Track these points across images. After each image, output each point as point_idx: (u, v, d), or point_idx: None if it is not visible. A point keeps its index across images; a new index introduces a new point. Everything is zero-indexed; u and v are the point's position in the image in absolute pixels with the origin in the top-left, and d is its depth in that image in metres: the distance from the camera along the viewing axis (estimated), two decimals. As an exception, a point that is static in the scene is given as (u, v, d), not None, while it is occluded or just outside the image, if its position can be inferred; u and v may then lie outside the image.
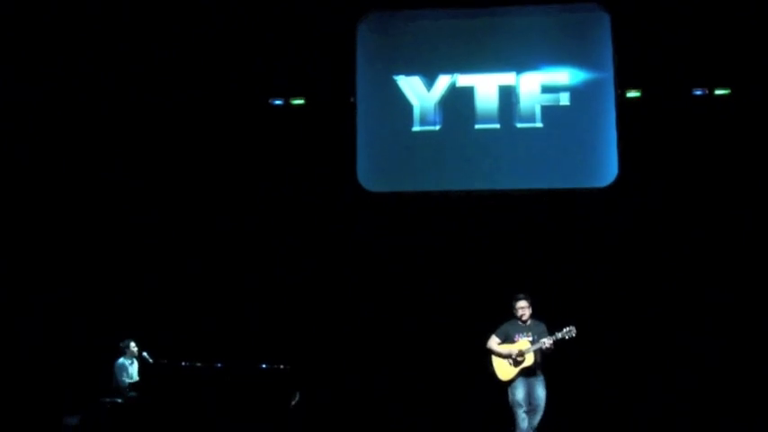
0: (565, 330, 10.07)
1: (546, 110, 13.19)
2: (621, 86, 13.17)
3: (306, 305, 13.15)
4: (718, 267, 12.79)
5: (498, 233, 13.13)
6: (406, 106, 13.35)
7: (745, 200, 12.87)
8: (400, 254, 13.19)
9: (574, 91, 13.18)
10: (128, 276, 13.31)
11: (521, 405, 10.14)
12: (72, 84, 13.37)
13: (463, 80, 13.34)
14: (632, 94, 13.24)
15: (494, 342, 10.38)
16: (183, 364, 12.17)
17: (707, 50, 12.95)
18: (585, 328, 10.60)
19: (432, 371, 12.79)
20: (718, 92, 13.11)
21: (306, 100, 13.52)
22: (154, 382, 12.00)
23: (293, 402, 12.14)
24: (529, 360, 10.17)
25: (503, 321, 10.69)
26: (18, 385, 12.76)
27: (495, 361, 10.35)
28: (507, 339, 10.34)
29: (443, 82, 13.36)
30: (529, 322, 10.39)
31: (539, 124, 13.18)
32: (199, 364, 12.22)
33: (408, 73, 13.39)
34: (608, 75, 13.14)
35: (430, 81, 13.37)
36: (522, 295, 10.46)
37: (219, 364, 12.23)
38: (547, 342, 10.06)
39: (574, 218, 13.13)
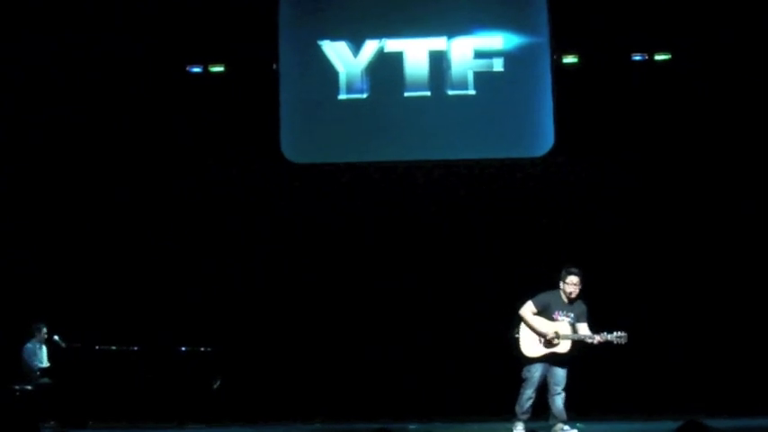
0: (615, 334, 9.27)
1: (479, 76, 13.03)
2: (557, 52, 13.06)
3: (226, 284, 12.90)
4: (655, 236, 12.77)
5: (428, 205, 13.03)
6: (331, 73, 13.10)
7: (685, 166, 12.83)
8: (325, 228, 12.99)
9: (508, 56, 13.02)
10: (41, 258, 12.99)
11: (533, 385, 9.40)
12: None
13: (392, 45, 13.11)
14: (569, 59, 13.14)
15: (529, 311, 9.42)
16: (98, 347, 11.97)
17: (646, 14, 12.83)
18: (518, 302, 10.30)
19: (362, 346, 12.65)
20: (658, 57, 13.03)
21: (225, 67, 13.21)
22: (66, 366, 11.80)
23: (215, 385, 11.95)
24: (564, 347, 9.35)
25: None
26: None
27: (524, 332, 9.46)
28: (545, 312, 9.43)
29: (371, 47, 13.11)
30: (575, 301, 9.56)
31: (471, 91, 13.02)
32: (114, 348, 12.02)
33: (334, 38, 13.12)
34: (543, 39, 13.01)
35: (356, 46, 13.11)
36: (576, 270, 9.48)
37: (136, 348, 12.04)
38: (597, 338, 9.26)
39: (508, 188, 13.05)
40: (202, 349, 12.10)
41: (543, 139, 12.91)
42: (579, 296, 9.53)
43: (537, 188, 13.00)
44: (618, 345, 9.34)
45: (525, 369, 9.48)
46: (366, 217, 13.06)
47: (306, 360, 12.66)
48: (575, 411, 9.88)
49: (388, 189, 13.09)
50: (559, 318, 9.44)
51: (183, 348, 12.12)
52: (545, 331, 9.38)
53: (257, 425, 11.88)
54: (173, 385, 11.94)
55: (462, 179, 13.06)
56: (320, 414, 12.15)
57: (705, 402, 11.37)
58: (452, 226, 12.96)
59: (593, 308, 10.74)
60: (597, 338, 9.30)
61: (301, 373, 12.60)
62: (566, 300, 9.49)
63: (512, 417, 9.61)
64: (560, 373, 9.47)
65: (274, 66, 13.09)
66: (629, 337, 9.30)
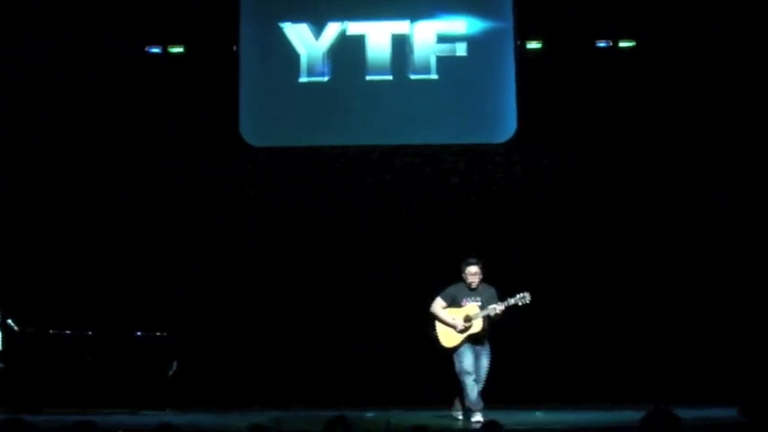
0: (518, 296, 9.73)
1: (442, 61, 12.98)
2: (521, 37, 13.02)
3: (183, 269, 12.80)
4: (617, 224, 12.78)
5: (389, 190, 13.00)
6: (292, 55, 12.99)
7: (647, 153, 12.83)
8: (284, 212, 12.90)
9: (471, 41, 12.98)
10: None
11: (469, 373, 9.77)
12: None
13: (354, 28, 13.03)
14: (533, 45, 13.09)
15: (438, 306, 9.98)
16: (52, 331, 11.87)
17: (611, 0, 12.84)
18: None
19: (321, 332, 12.55)
20: (622, 44, 13.03)
21: (185, 48, 13.08)
22: (20, 350, 11.66)
23: (171, 371, 11.90)
24: (477, 326, 9.80)
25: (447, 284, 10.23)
26: None
27: (439, 326, 9.97)
28: (454, 303, 9.95)
29: (333, 30, 13.01)
30: (479, 287, 10.01)
31: (434, 76, 12.97)
32: (68, 332, 11.93)
33: (295, 20, 13.02)
34: (507, 24, 12.98)
35: (318, 28, 13.01)
36: (473, 260, 10.00)
37: (91, 332, 11.96)
38: (497, 308, 9.71)
39: (470, 174, 13.05)
40: (158, 334, 12.06)
41: (506, 124, 12.89)
42: (482, 282, 10.02)
43: (498, 174, 13.00)
44: (524, 306, 9.76)
45: (456, 361, 9.91)
46: (324, 201, 12.97)
47: (263, 346, 12.59)
48: (535, 401, 10.01)
49: (348, 173, 13.02)
50: (467, 304, 9.93)
51: (139, 333, 12.08)
52: (455, 318, 9.88)
53: (212, 411, 11.80)
54: (128, 371, 11.88)
55: (423, 164, 13.03)
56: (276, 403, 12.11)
57: (668, 392, 11.42)
58: (411, 211, 12.92)
59: (560, 292, 10.90)
60: (501, 306, 9.76)
61: (258, 360, 12.52)
62: (470, 289, 9.98)
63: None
64: (484, 362, 9.92)
65: (234, 47, 12.98)
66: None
